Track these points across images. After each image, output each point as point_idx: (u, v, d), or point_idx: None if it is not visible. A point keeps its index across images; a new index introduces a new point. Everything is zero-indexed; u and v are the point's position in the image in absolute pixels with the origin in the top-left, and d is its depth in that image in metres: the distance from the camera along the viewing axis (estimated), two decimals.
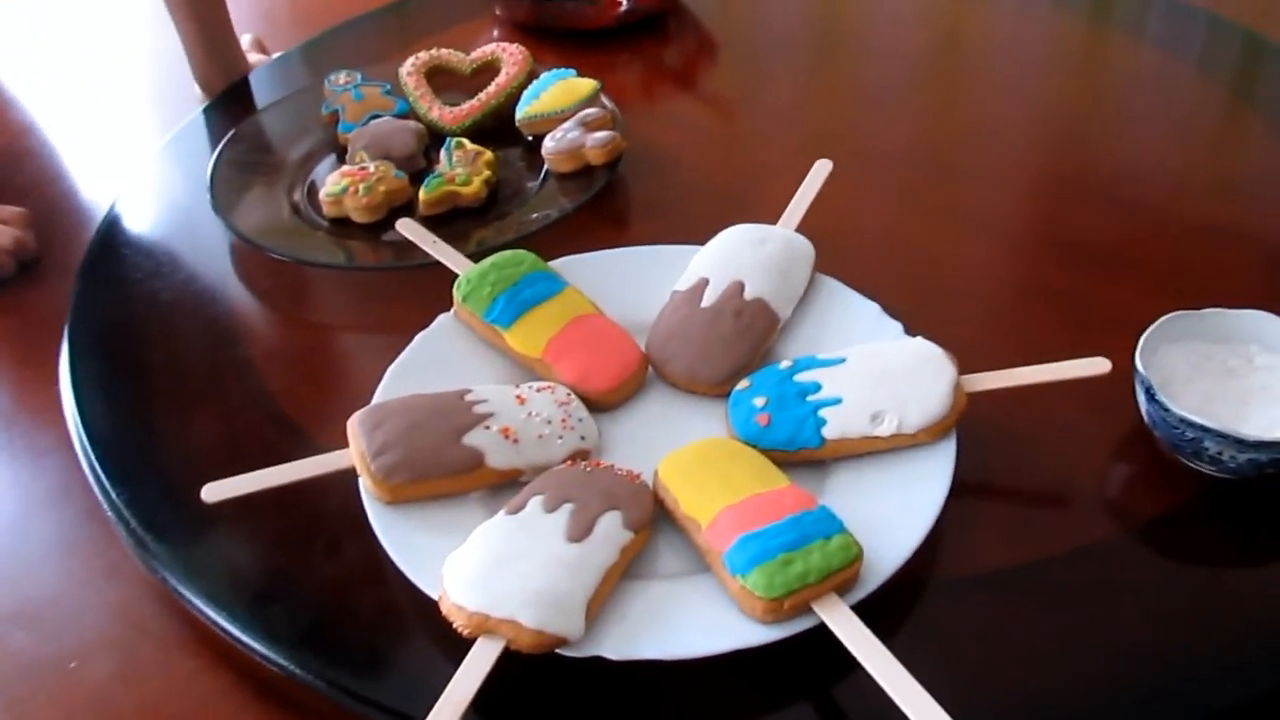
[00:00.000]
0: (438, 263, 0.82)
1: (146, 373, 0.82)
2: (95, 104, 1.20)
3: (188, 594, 0.65)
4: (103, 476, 0.73)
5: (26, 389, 0.83)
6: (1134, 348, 0.69)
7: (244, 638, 0.63)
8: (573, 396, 0.71)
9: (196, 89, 1.14)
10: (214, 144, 1.00)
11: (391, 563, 0.62)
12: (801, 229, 0.82)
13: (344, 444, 0.68)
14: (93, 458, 0.74)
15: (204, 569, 0.67)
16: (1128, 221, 0.91)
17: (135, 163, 1.05)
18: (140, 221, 0.98)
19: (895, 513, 0.63)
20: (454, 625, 0.57)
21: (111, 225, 0.96)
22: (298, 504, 0.69)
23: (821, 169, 0.86)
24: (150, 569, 0.68)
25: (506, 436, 0.67)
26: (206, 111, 1.11)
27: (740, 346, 0.74)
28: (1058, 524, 0.67)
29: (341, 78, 1.05)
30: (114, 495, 0.72)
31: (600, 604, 0.59)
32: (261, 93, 1.13)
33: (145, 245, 0.95)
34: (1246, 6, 1.25)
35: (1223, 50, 1.19)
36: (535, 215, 0.90)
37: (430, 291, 0.80)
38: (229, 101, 1.11)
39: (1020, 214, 0.96)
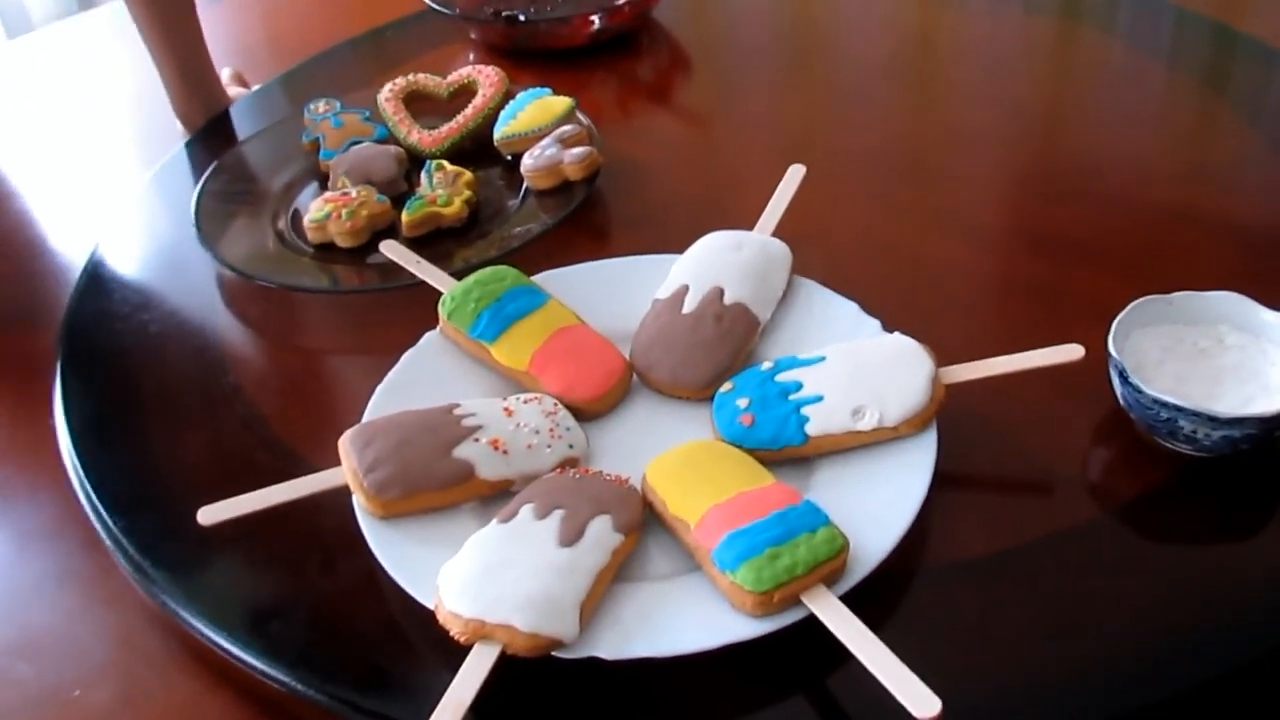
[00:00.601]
0: (422, 282, 0.84)
1: (139, 403, 0.83)
2: (79, 143, 1.21)
3: (188, 616, 0.66)
4: (100, 507, 0.74)
5: (20, 426, 0.84)
6: (1107, 333, 0.70)
7: (244, 656, 0.64)
8: (559, 406, 0.72)
9: (178, 124, 1.15)
10: (197, 177, 1.02)
11: (387, 576, 0.63)
12: (778, 233, 0.83)
13: (336, 463, 0.69)
14: (89, 489, 0.75)
15: (203, 591, 0.68)
16: (1099, 212, 0.93)
17: (120, 198, 1.07)
18: (127, 256, 0.99)
19: (880, 504, 0.64)
20: (451, 632, 0.58)
21: (98, 261, 0.97)
22: (292, 524, 0.69)
23: (795, 174, 0.87)
24: (150, 594, 0.69)
25: (496, 448, 0.68)
26: (189, 146, 1.12)
27: (722, 350, 0.75)
28: (1040, 508, 0.69)
29: (321, 106, 1.06)
30: (111, 524, 0.72)
31: (593, 606, 0.60)
32: (242, 125, 1.14)
33: (133, 279, 0.96)
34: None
35: (1192, 42, 1.21)
36: (517, 231, 0.91)
37: (415, 311, 0.81)
38: (211, 135, 1.13)
39: (993, 209, 0.98)
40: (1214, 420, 0.65)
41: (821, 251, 0.85)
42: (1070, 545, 0.66)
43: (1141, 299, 0.72)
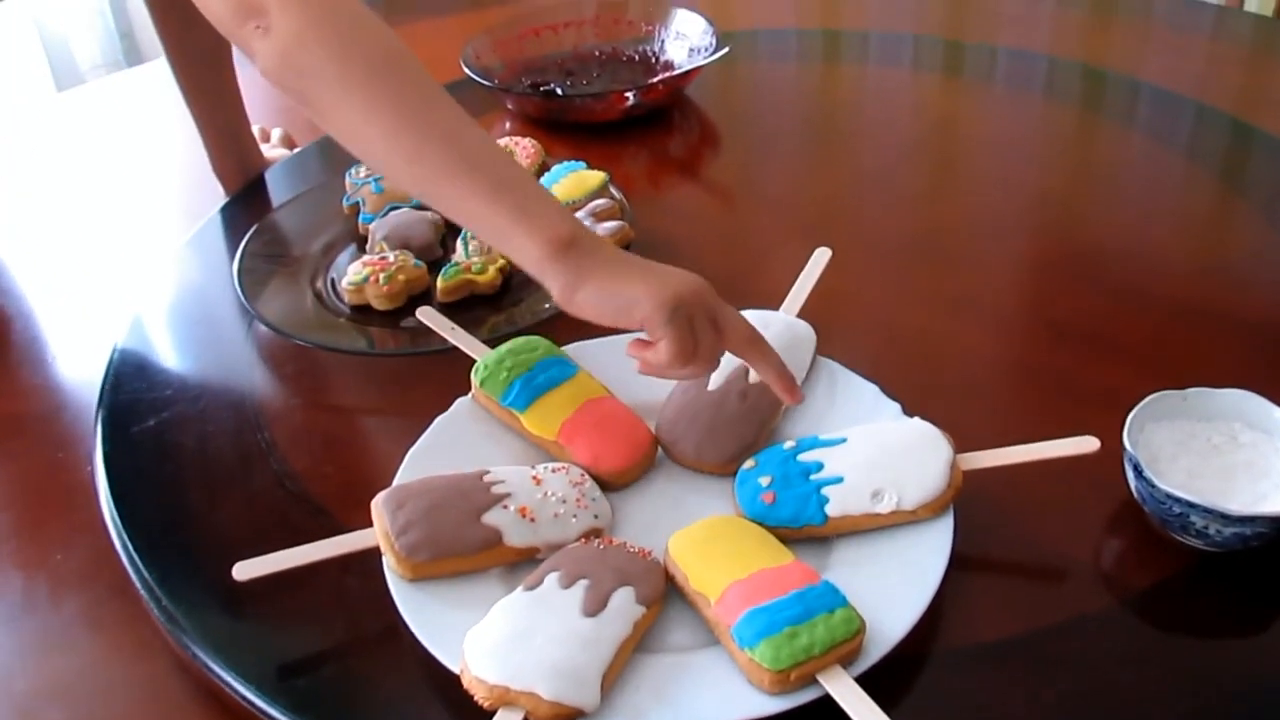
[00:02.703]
0: (454, 348, 0.86)
1: (177, 455, 0.85)
2: (126, 196, 1.24)
3: (216, 667, 0.68)
4: (135, 555, 0.76)
5: (59, 469, 0.86)
6: (1122, 425, 0.72)
7: (270, 710, 0.65)
8: (586, 476, 0.74)
9: (219, 186, 1.18)
10: (234, 238, 1.05)
11: (413, 637, 0.65)
12: (802, 314, 0.86)
13: (367, 523, 0.71)
14: (125, 538, 0.77)
15: (232, 644, 0.69)
16: (1115, 303, 0.95)
17: (161, 256, 1.09)
18: (167, 312, 1.02)
19: (896, 586, 0.66)
20: (475, 697, 0.60)
21: (140, 316, 1.00)
22: (322, 581, 0.71)
23: (821, 257, 0.90)
24: (180, 644, 0.70)
25: (524, 515, 0.70)
26: (226, 208, 1.15)
27: (745, 427, 0.77)
28: (1053, 596, 0.70)
29: (362, 171, 1.09)
30: (146, 573, 0.74)
31: (615, 676, 0.62)
32: (279, 187, 1.17)
33: (173, 334, 0.99)
34: (1233, 95, 1.30)
35: (1210, 137, 1.24)
36: (547, 306, 0.93)
37: (447, 375, 0.84)
38: (247, 197, 1.16)
39: (1012, 296, 1.00)
40: (1226, 517, 0.66)
41: (843, 332, 0.88)
42: (1083, 634, 0.67)
43: (1156, 394, 0.74)
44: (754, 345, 0.72)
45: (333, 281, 1.00)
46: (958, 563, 0.67)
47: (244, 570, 0.68)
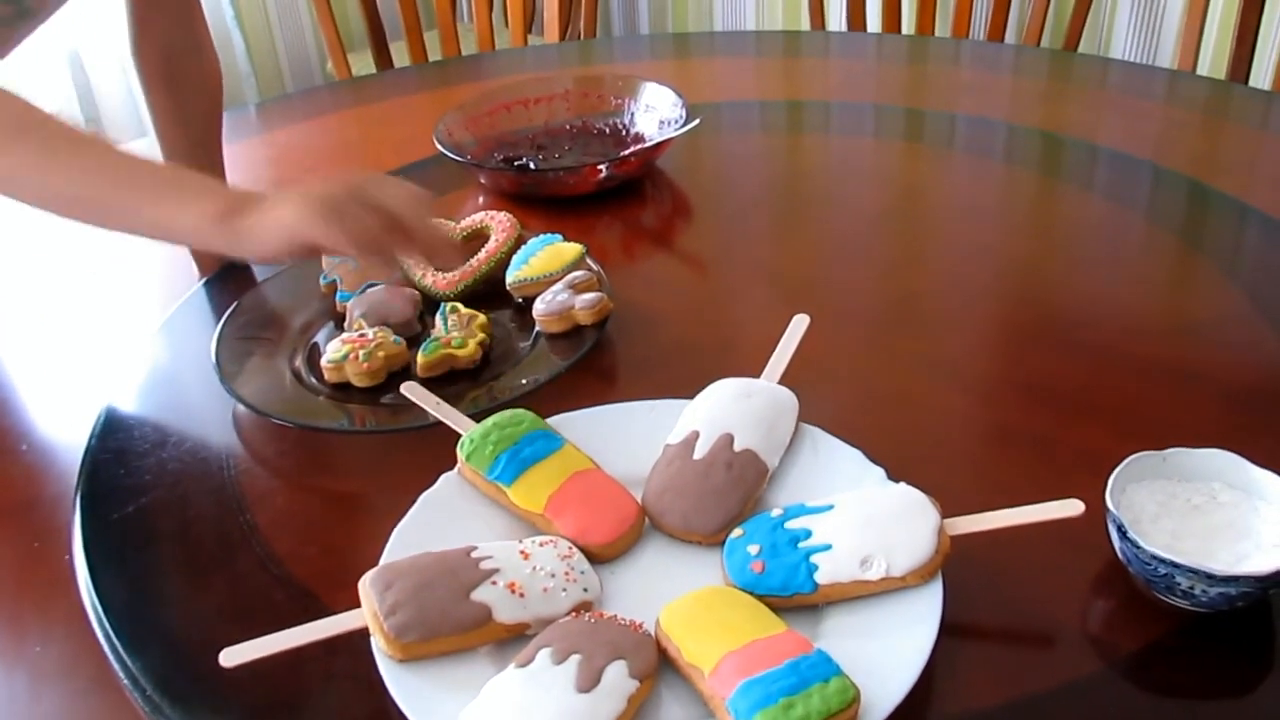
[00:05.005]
0: (436, 423, 0.86)
1: (157, 542, 0.84)
2: (100, 284, 1.24)
3: None
4: (118, 645, 0.74)
5: (37, 560, 0.85)
6: (1103, 486, 0.73)
7: None
8: (574, 550, 0.74)
9: (194, 266, 1.18)
10: (213, 317, 1.04)
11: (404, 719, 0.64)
12: (783, 381, 0.87)
13: (353, 603, 0.70)
14: (107, 627, 0.76)
15: None
16: (1089, 364, 0.97)
17: (139, 337, 1.09)
18: (145, 394, 1.01)
19: (888, 654, 0.66)
20: None
21: (117, 398, 0.99)
22: (309, 665, 0.70)
23: (799, 324, 0.91)
24: None
25: (513, 591, 0.70)
26: (206, 286, 1.15)
27: (732, 496, 0.77)
28: (1044, 661, 0.70)
29: None
30: (128, 663, 0.73)
31: None
32: (258, 266, 1.17)
33: (151, 417, 0.98)
34: (1189, 157, 1.33)
35: (1168, 199, 1.26)
36: (524, 381, 0.93)
37: (430, 451, 0.83)
38: (227, 277, 1.15)
39: (988, 359, 1.01)
40: (1211, 578, 0.67)
41: (824, 398, 0.88)
42: (1074, 699, 0.67)
43: (1136, 455, 0.75)
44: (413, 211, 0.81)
45: (311, 359, 1.00)
46: (947, 628, 0.67)
47: (231, 657, 0.67)
